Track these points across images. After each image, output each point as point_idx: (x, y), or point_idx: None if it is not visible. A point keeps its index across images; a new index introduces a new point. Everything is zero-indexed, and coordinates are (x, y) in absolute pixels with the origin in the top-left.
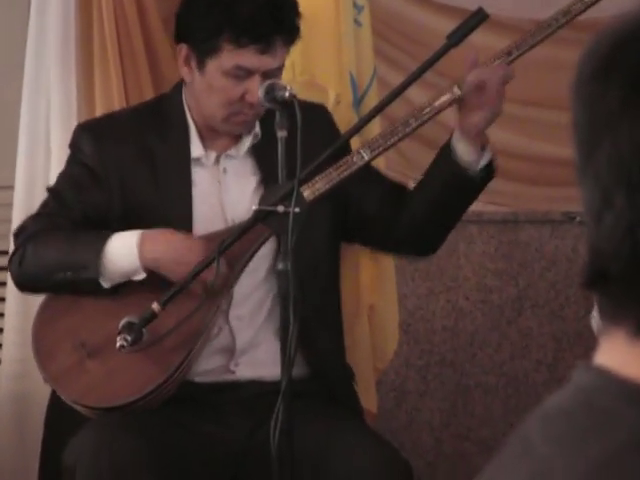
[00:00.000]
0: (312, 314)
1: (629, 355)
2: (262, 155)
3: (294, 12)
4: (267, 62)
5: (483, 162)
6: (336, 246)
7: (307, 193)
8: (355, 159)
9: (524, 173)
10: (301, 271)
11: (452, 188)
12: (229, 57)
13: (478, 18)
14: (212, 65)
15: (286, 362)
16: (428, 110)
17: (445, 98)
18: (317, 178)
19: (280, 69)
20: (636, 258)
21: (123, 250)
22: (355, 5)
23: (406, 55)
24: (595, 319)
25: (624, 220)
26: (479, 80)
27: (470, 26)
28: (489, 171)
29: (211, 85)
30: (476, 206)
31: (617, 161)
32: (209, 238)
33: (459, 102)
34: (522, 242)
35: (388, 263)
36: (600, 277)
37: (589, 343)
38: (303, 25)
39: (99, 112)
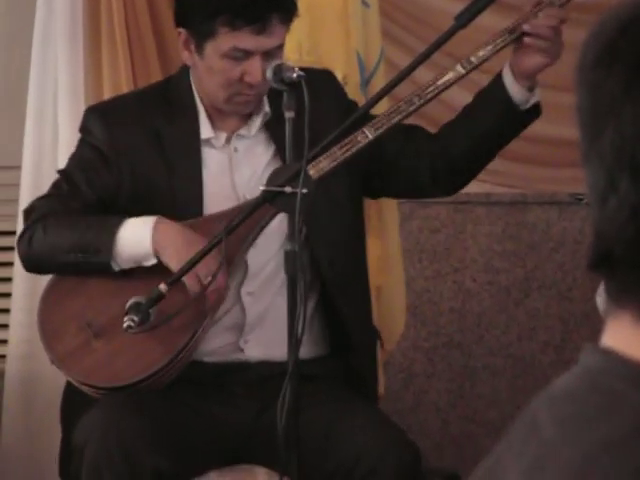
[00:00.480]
0: (341, 279)
1: (634, 337)
2: (274, 132)
3: None
4: (264, 42)
5: (532, 101)
6: (359, 208)
7: (312, 172)
8: (359, 138)
9: (531, 154)
10: (325, 238)
11: (503, 121)
12: (226, 39)
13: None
14: (210, 48)
15: (293, 343)
16: (432, 89)
17: (449, 77)
18: (321, 157)
19: (280, 47)
20: (639, 241)
21: (137, 235)
22: None
23: (413, 36)
24: (600, 299)
25: (628, 203)
26: (555, 23)
27: (478, 7)
28: (536, 110)
29: (211, 67)
30: (483, 187)
31: (620, 145)
32: (217, 218)
33: (517, 39)
34: (529, 223)
35: (395, 245)
36: (605, 260)
37: (596, 325)
38: (310, 6)
39: (107, 93)
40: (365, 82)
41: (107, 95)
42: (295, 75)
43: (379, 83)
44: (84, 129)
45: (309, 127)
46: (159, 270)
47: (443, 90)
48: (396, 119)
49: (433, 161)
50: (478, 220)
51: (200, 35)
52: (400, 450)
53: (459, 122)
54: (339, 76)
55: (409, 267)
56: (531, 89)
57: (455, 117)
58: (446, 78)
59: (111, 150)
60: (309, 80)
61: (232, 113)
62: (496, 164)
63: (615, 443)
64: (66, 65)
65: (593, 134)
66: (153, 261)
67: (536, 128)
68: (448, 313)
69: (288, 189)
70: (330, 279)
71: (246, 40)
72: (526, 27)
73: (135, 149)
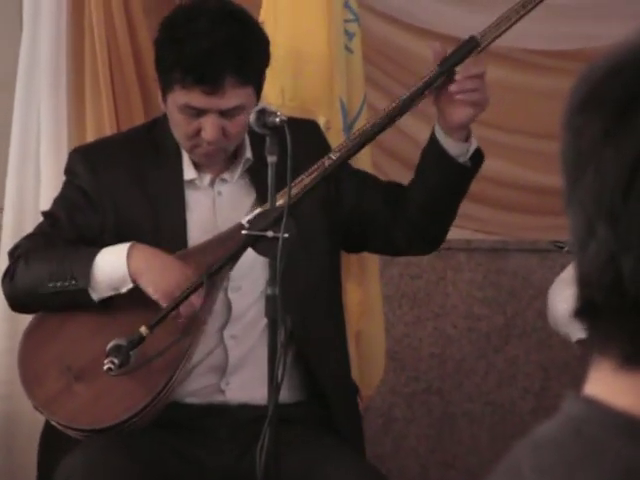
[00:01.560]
0: (315, 334)
1: (616, 386)
2: (256, 177)
3: (250, 52)
4: (217, 103)
5: (471, 150)
6: (336, 262)
7: (281, 202)
8: (326, 163)
9: (513, 201)
10: (302, 290)
11: (446, 176)
12: (179, 95)
13: (470, 46)
14: (169, 99)
15: (273, 388)
16: (395, 104)
17: (421, 84)
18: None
19: (242, 108)
20: (618, 288)
21: (112, 258)
22: (346, 32)
23: (396, 82)
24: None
25: (606, 249)
26: (471, 74)
27: (462, 54)
28: (478, 156)
29: (172, 118)
30: (464, 234)
31: (599, 190)
32: (197, 251)
33: (437, 100)
34: (510, 270)
35: (375, 290)
36: (587, 307)
37: (576, 372)
38: (293, 51)
39: (90, 136)
40: (348, 127)
41: (90, 137)
42: (278, 120)
43: None
44: (69, 171)
45: (292, 171)
46: (139, 309)
47: (409, 106)
48: (360, 140)
49: (406, 222)
50: (459, 266)
51: (163, 85)
52: None
53: (413, 184)
54: (322, 121)
55: (389, 313)
56: (467, 139)
57: (412, 178)
58: (418, 85)
59: (95, 191)
60: (293, 128)
61: (200, 161)
62: (477, 211)
63: None
64: (49, 109)
65: (574, 179)
66: (130, 285)
67: (517, 175)
68: (428, 359)
69: (270, 233)
70: (302, 334)
71: (197, 99)
72: (452, 88)
73: (119, 190)
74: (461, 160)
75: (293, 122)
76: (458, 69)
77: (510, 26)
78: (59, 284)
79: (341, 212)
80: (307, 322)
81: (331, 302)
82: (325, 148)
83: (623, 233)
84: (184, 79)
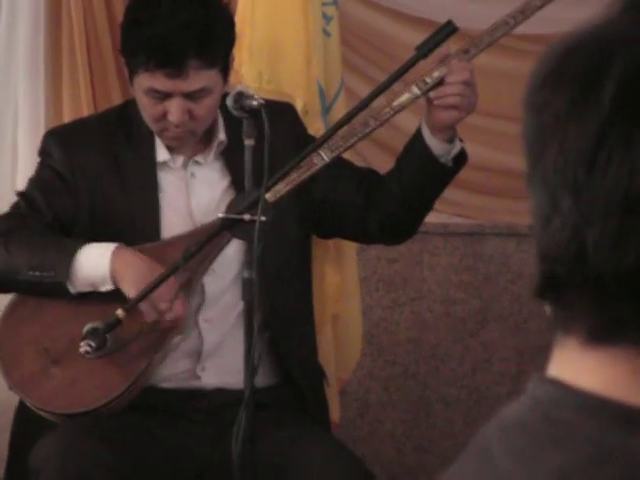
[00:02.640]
0: (284, 319)
1: (581, 365)
2: (231, 160)
3: (212, 35)
4: (181, 86)
5: (454, 152)
6: (307, 248)
7: (268, 195)
8: (315, 160)
9: (490, 185)
10: (271, 276)
11: (426, 174)
12: (144, 78)
13: (447, 30)
14: (135, 83)
15: (249, 371)
16: (387, 110)
17: (404, 98)
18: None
19: (206, 90)
20: (581, 261)
21: (95, 259)
22: (324, 15)
23: (374, 66)
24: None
25: (570, 222)
26: (463, 79)
27: (439, 38)
28: (461, 158)
29: (139, 101)
30: (441, 218)
31: (563, 165)
32: (174, 242)
33: (427, 99)
34: (487, 255)
35: (352, 273)
36: (550, 284)
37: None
38: (271, 34)
39: (67, 119)
40: (325, 111)
41: (67, 118)
42: (255, 102)
43: (339, 112)
44: (43, 152)
45: (269, 154)
46: (117, 295)
47: (398, 111)
48: (352, 141)
49: (380, 212)
50: (435, 250)
51: (129, 68)
52: (357, 478)
53: (392, 174)
54: (300, 105)
55: (366, 296)
56: (451, 141)
57: (387, 173)
58: (401, 99)
59: (69, 173)
60: (270, 111)
61: (169, 143)
62: (454, 195)
63: (572, 474)
64: (27, 91)
65: (537, 156)
66: (109, 287)
67: (494, 159)
68: (404, 343)
69: (247, 217)
70: (273, 323)
71: (160, 82)
72: (431, 94)
73: (93, 172)
74: (442, 160)
75: (269, 104)
76: (446, 77)
77: (505, 33)
78: (37, 274)
79: (313, 200)
80: (277, 308)
81: (300, 288)
82: (302, 130)
83: (587, 206)
84: (147, 62)
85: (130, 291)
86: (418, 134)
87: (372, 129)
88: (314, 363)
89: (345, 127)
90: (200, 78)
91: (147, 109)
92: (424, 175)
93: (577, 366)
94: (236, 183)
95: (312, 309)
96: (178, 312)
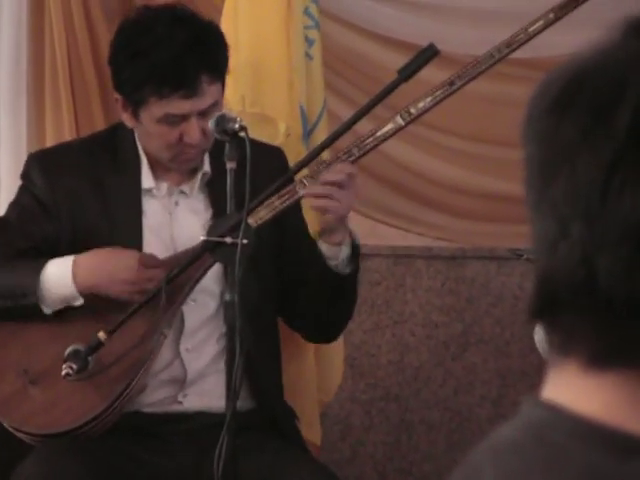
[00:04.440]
0: (256, 349)
1: (580, 389)
2: (214, 190)
3: (214, 48)
4: (196, 104)
5: (342, 255)
6: (277, 285)
7: (251, 221)
8: (298, 188)
9: (472, 209)
10: (248, 305)
11: (322, 278)
12: (157, 107)
13: (429, 54)
14: (144, 115)
15: (231, 394)
16: (371, 140)
17: (388, 128)
18: (260, 207)
19: (216, 105)
20: (590, 285)
21: (58, 278)
22: (306, 38)
23: (356, 89)
24: (538, 337)
25: (580, 248)
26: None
27: (421, 61)
28: (356, 265)
29: (149, 132)
30: (424, 241)
31: (575, 191)
32: (156, 265)
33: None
34: (468, 278)
35: None
36: (550, 306)
37: (534, 380)
38: (254, 57)
39: (49, 142)
40: (307, 134)
41: (49, 141)
42: (237, 125)
43: (321, 135)
44: (25, 176)
45: (250, 177)
46: (97, 312)
47: (382, 141)
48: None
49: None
50: (418, 273)
51: (133, 103)
52: None
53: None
54: (282, 128)
55: None
56: (340, 244)
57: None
58: (385, 129)
59: (51, 199)
60: (259, 155)
61: (177, 170)
62: (436, 218)
63: None
64: (9, 114)
65: (545, 183)
66: (80, 301)
67: (476, 183)
68: (386, 366)
69: (228, 239)
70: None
71: (177, 106)
72: (302, 193)
73: (76, 198)
74: (332, 263)
75: (259, 147)
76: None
77: (490, 66)
78: (9, 302)
79: (281, 242)
80: (254, 335)
81: (272, 321)
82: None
83: (600, 233)
84: (160, 90)
85: (109, 294)
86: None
87: (356, 158)
88: (282, 400)
89: (329, 156)
90: (212, 93)
91: (162, 137)
92: (320, 279)
93: (575, 390)
94: (218, 215)
95: (279, 346)
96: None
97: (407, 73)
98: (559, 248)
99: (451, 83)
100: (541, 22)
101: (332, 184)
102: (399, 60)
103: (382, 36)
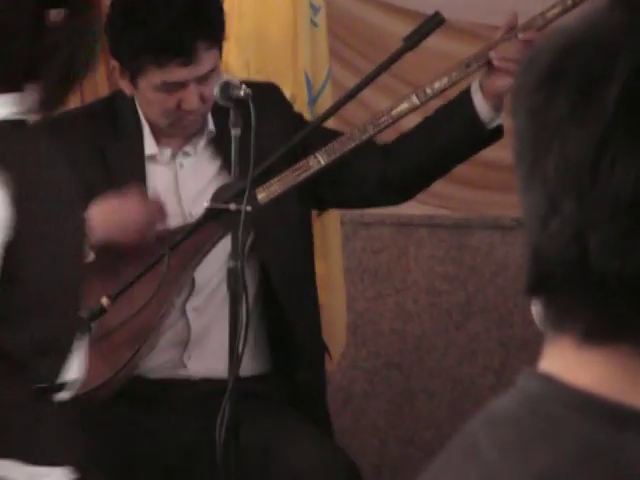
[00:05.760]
0: (291, 296)
1: (576, 362)
2: (219, 149)
3: (211, 14)
4: (194, 71)
5: (496, 122)
6: (308, 224)
7: (263, 195)
8: (311, 163)
9: (476, 178)
10: (275, 243)
11: (465, 136)
12: (154, 75)
13: (435, 22)
14: (142, 82)
15: (233, 361)
16: (386, 118)
17: (404, 107)
18: (273, 180)
19: (213, 71)
20: (583, 262)
21: None
22: (312, 6)
23: (361, 57)
24: (536, 308)
25: (571, 224)
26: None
27: (426, 30)
28: (498, 132)
29: (147, 99)
30: (427, 210)
31: (566, 166)
32: (165, 233)
33: (488, 61)
34: (472, 247)
35: (337, 264)
36: (544, 283)
37: (536, 349)
38: (259, 25)
39: None
40: (312, 101)
41: None
42: (242, 92)
43: (325, 102)
44: None
45: (255, 144)
46: (99, 278)
47: (397, 120)
48: (349, 146)
49: (384, 172)
50: (421, 242)
51: (130, 70)
52: (340, 470)
53: (418, 134)
54: (287, 95)
55: (350, 287)
56: (497, 109)
57: (414, 128)
58: (400, 108)
59: None
60: (254, 93)
61: (179, 134)
62: (439, 187)
63: (559, 469)
64: None
65: (535, 157)
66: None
67: (481, 152)
68: (388, 334)
69: (232, 206)
70: (281, 290)
71: (174, 73)
72: (492, 54)
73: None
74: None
75: (253, 86)
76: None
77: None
78: None
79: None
80: (284, 271)
81: (305, 258)
82: (288, 110)
83: (591, 210)
84: (158, 58)
85: (122, 242)
86: (465, 96)
87: (370, 135)
88: (319, 338)
89: (344, 133)
90: (209, 59)
91: (159, 104)
92: (462, 137)
93: (569, 363)
94: (226, 168)
95: (316, 287)
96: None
97: (412, 41)
98: (550, 224)
99: (467, 65)
100: (559, 8)
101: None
102: (405, 28)
103: (387, 4)
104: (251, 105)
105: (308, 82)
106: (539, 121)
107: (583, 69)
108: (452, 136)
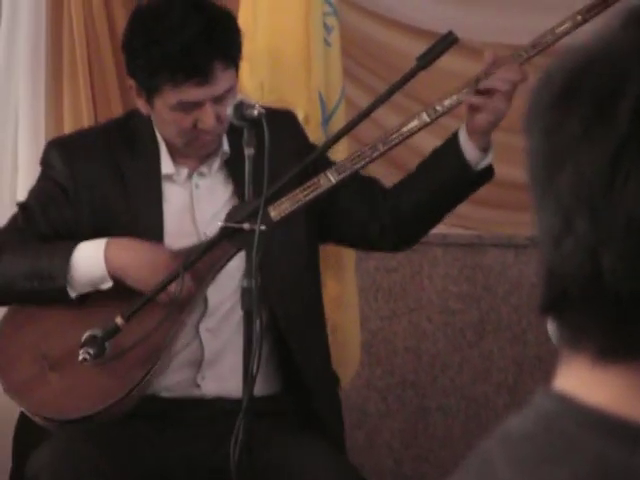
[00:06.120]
0: (299, 326)
1: (590, 381)
2: (234, 170)
3: (227, 34)
4: (210, 91)
5: (484, 163)
6: (315, 252)
7: (274, 214)
8: (322, 182)
9: (490, 197)
10: (282, 284)
11: (455, 181)
12: (171, 95)
13: (448, 41)
14: (158, 102)
15: (248, 380)
16: (396, 135)
17: (414, 124)
18: (284, 199)
19: (230, 91)
20: (597, 281)
21: (90, 258)
22: (325, 26)
23: (374, 76)
24: (551, 327)
25: (585, 243)
26: (489, 86)
27: (440, 49)
28: (488, 173)
29: (163, 118)
30: (441, 228)
31: (579, 184)
32: (179, 254)
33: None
34: (486, 265)
35: (351, 283)
36: (558, 301)
37: (550, 367)
38: (272, 44)
39: (67, 129)
40: (326, 120)
41: (67, 128)
42: (256, 112)
43: (339, 122)
44: (45, 162)
45: (269, 163)
46: (117, 300)
47: (407, 137)
48: (360, 164)
49: (383, 218)
50: (435, 261)
51: (147, 89)
52: None
53: (411, 178)
54: (301, 115)
55: (365, 306)
56: (485, 150)
57: (407, 175)
58: (411, 125)
59: (71, 185)
60: (270, 119)
61: (194, 154)
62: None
63: None
64: (27, 102)
65: (549, 176)
66: (109, 284)
67: (495, 171)
68: (403, 353)
69: (246, 226)
70: (284, 325)
71: (190, 93)
72: (482, 85)
73: (96, 184)
74: (472, 170)
75: (270, 112)
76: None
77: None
78: (36, 283)
79: (317, 204)
80: (289, 312)
81: (311, 293)
82: (303, 139)
83: (604, 227)
84: (174, 77)
85: (138, 285)
86: (453, 138)
87: (380, 153)
88: (328, 369)
89: (354, 150)
90: (226, 79)
91: (176, 124)
92: (450, 180)
93: (584, 381)
94: (238, 192)
95: (324, 314)
96: (188, 286)
97: (426, 60)
98: (564, 243)
99: (477, 81)
100: (569, 24)
101: (506, 80)
102: (418, 48)
103: (401, 23)
104: (264, 124)
105: (322, 101)
106: (553, 140)
107: (596, 88)
108: (441, 179)
